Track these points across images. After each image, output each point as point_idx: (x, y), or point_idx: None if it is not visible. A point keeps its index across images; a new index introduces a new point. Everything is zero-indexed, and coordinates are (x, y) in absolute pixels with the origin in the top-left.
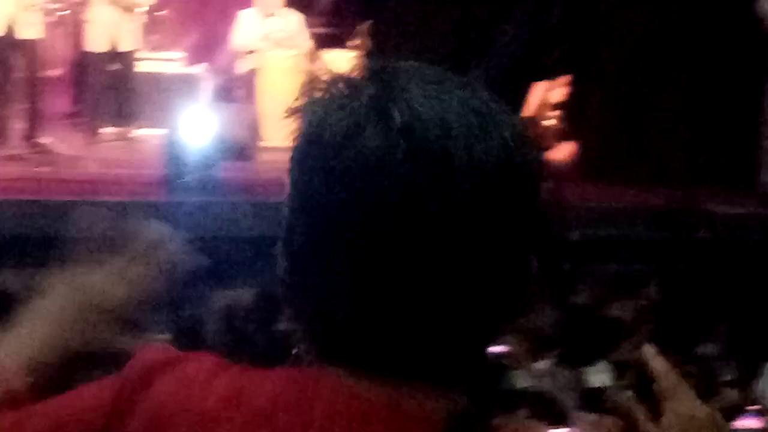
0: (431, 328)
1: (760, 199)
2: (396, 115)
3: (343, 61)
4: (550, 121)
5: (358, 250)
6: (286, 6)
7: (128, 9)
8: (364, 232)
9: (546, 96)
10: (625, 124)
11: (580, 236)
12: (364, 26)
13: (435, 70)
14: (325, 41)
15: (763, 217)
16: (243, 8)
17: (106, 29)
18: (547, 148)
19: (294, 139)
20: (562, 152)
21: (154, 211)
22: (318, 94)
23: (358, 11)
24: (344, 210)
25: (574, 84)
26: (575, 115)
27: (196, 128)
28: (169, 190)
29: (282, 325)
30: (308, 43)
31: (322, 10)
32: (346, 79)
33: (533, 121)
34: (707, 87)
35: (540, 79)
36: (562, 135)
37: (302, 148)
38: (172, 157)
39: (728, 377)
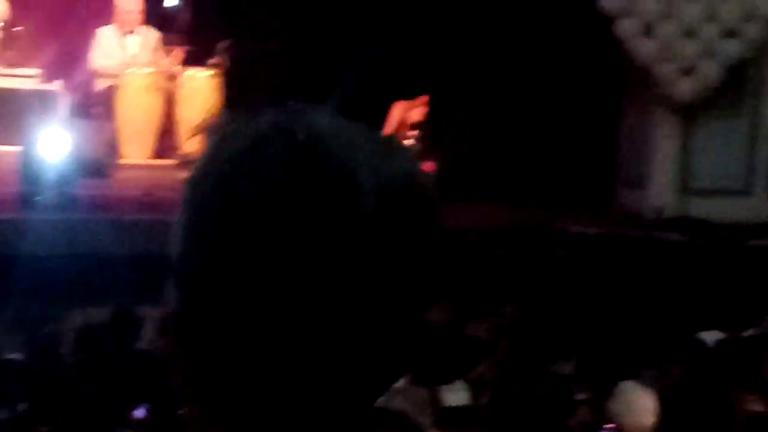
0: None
1: (616, 219)
2: (299, 130)
3: (202, 79)
4: (409, 141)
5: (257, 274)
6: (144, 24)
7: None
8: (262, 251)
9: (404, 116)
10: (484, 143)
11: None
12: (223, 45)
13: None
14: (183, 59)
15: (620, 237)
16: (102, 26)
17: None
18: None
19: (195, 162)
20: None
21: (11, 228)
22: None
23: (217, 30)
24: (242, 227)
25: (432, 104)
26: (434, 135)
27: (52, 145)
28: (24, 208)
29: (139, 345)
30: (167, 62)
31: (181, 28)
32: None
33: None
34: (565, 108)
35: (398, 99)
36: (421, 155)
37: (203, 167)
38: (28, 174)
39: (583, 396)
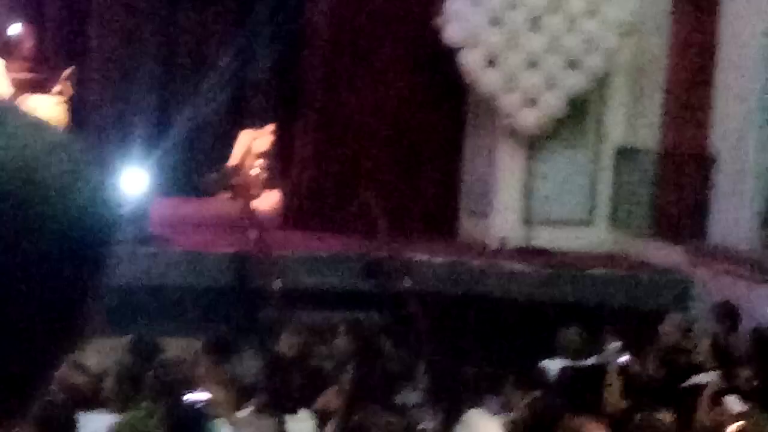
0: None
1: (461, 248)
2: None
3: (46, 106)
4: (255, 170)
5: None
6: None
7: None
8: None
9: (251, 145)
10: (330, 173)
11: (284, 285)
12: (67, 72)
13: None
14: (27, 86)
15: (464, 265)
16: None
17: None
18: (252, 197)
19: None
20: (267, 201)
21: None
22: None
23: (60, 57)
24: None
25: (279, 133)
26: (280, 164)
27: None
28: None
29: None
30: (9, 89)
31: (25, 55)
32: None
33: (238, 170)
34: (410, 138)
35: (245, 128)
36: (267, 184)
37: None
38: None
39: (429, 425)
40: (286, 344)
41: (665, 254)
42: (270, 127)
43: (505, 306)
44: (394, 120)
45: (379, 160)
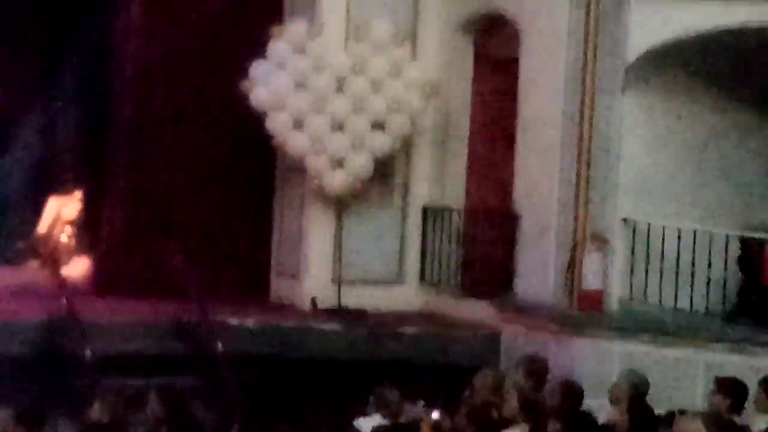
0: None
1: (273, 310)
2: None
3: None
4: (64, 237)
5: None
6: None
7: None
8: None
9: (59, 212)
10: (139, 238)
11: (96, 352)
12: None
13: None
14: None
15: (277, 327)
16: None
17: None
18: (62, 265)
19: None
20: (76, 268)
21: None
22: None
23: None
24: None
25: (87, 199)
26: (88, 231)
27: None
28: None
29: None
30: None
31: None
32: None
33: (48, 237)
34: (220, 202)
35: (53, 194)
36: (76, 251)
37: None
38: None
39: None
40: (100, 411)
41: (474, 311)
42: (78, 194)
43: (318, 366)
44: (203, 183)
45: (190, 223)
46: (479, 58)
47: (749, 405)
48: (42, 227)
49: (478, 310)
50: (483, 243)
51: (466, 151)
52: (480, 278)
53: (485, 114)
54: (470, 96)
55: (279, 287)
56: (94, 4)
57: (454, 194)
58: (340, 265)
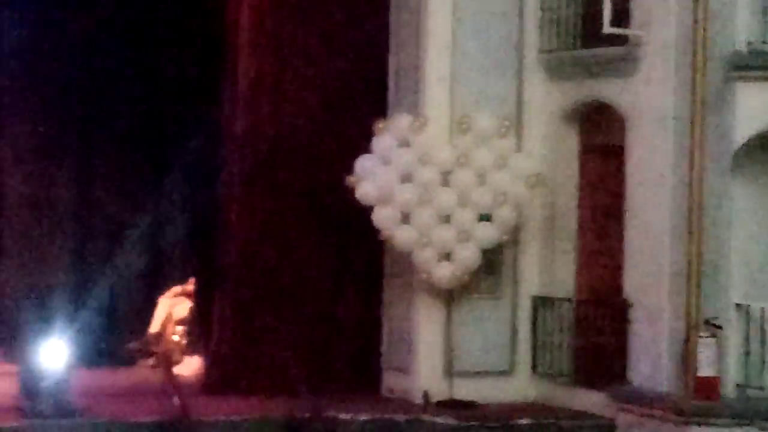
0: None
1: (385, 404)
2: None
3: None
4: (176, 336)
5: None
6: None
7: None
8: None
9: (171, 312)
10: (250, 337)
11: None
12: None
13: None
14: None
15: (389, 421)
16: None
17: None
18: (174, 364)
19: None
20: (189, 367)
21: None
22: None
23: None
24: None
25: (198, 299)
26: (199, 330)
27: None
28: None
29: None
30: None
31: None
32: None
33: (159, 337)
34: (330, 295)
35: (163, 294)
36: (188, 350)
37: None
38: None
39: None
40: None
41: (588, 400)
42: (189, 294)
43: None
44: (312, 278)
45: (299, 320)
46: (585, 146)
47: None
48: (153, 327)
49: (592, 400)
50: (594, 331)
51: (574, 239)
52: (593, 367)
53: (593, 202)
54: (577, 184)
55: (390, 380)
56: (201, 100)
57: (564, 283)
58: (450, 357)
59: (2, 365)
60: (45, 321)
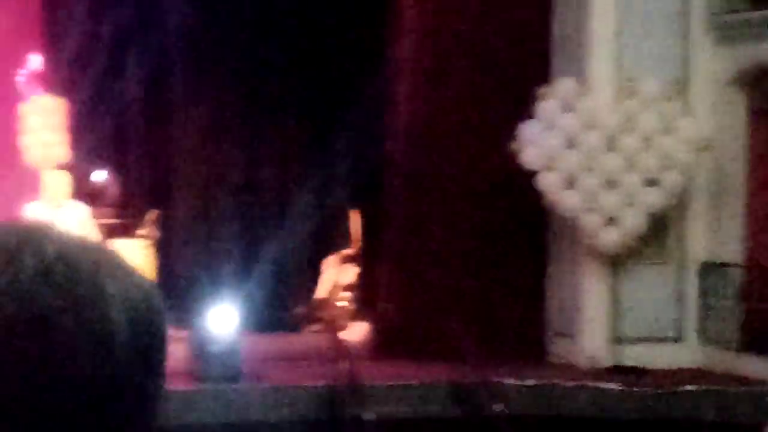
0: None
1: (550, 369)
2: (49, 249)
3: (133, 249)
4: (342, 302)
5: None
6: (72, 198)
7: None
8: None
9: (337, 277)
10: (416, 302)
11: (377, 415)
12: (151, 215)
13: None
14: (113, 231)
15: (556, 387)
16: (30, 201)
17: None
18: (340, 329)
19: None
20: (355, 332)
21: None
22: None
23: (144, 201)
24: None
25: (364, 263)
26: (366, 295)
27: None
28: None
29: None
30: (97, 234)
31: (110, 201)
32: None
33: (326, 302)
34: (494, 261)
35: (330, 258)
36: (354, 315)
37: None
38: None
39: None
40: None
41: (756, 367)
42: (355, 260)
43: (596, 426)
44: (477, 244)
45: (464, 285)
46: (754, 111)
47: None
48: (320, 292)
49: (760, 366)
50: (764, 298)
51: (742, 205)
52: (761, 333)
53: (762, 167)
54: (745, 149)
55: (555, 346)
56: (365, 71)
57: (732, 249)
58: (616, 323)
59: (174, 331)
60: (215, 287)
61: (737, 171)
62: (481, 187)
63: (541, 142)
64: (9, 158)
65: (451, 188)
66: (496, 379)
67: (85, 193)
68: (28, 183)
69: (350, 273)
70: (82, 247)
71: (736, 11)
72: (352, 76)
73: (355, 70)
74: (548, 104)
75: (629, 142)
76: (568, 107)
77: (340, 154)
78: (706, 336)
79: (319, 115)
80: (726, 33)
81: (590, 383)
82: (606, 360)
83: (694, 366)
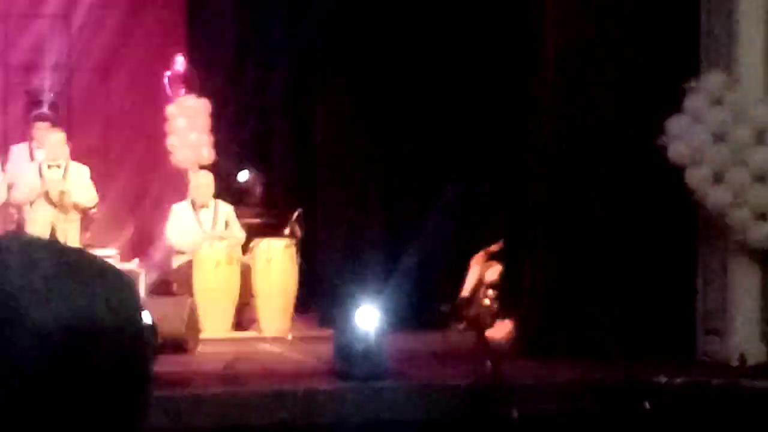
0: None
1: (700, 368)
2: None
3: (277, 249)
4: (487, 300)
5: None
6: (216, 198)
7: (66, 209)
8: None
9: (482, 275)
10: (562, 300)
11: (523, 414)
12: (295, 214)
13: (27, 240)
14: (258, 230)
15: (705, 386)
16: (176, 202)
17: (46, 228)
18: (485, 327)
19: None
20: (500, 331)
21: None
22: None
23: (289, 200)
24: None
25: (508, 261)
26: (511, 293)
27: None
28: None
29: None
30: (241, 234)
31: (254, 200)
32: None
33: (471, 300)
34: (642, 257)
35: (474, 258)
36: (499, 313)
37: None
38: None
39: None
40: None
41: None
42: (500, 257)
43: (747, 426)
44: (624, 241)
45: (611, 284)
46: None
47: None
48: (465, 290)
49: None
50: None
51: None
52: None
53: None
54: None
55: (705, 344)
56: (507, 67)
57: None
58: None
59: (319, 330)
60: (360, 286)
61: None
62: (628, 184)
63: (688, 137)
64: (155, 159)
65: (597, 186)
66: (644, 377)
67: (230, 192)
68: (174, 184)
69: (495, 271)
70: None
71: None
72: (494, 74)
73: (497, 67)
74: (696, 98)
75: None
76: (716, 101)
77: (485, 150)
78: None
79: (464, 112)
80: None
81: (741, 382)
82: (757, 358)
83: None
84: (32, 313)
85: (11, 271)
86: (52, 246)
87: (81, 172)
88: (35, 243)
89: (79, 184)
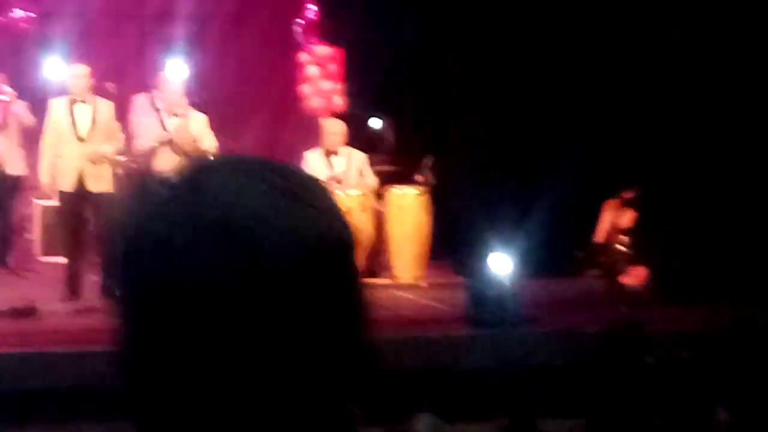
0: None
1: None
2: (205, 212)
3: (410, 197)
4: (621, 246)
5: (190, 349)
6: (348, 145)
7: (194, 157)
8: (189, 328)
9: (616, 221)
10: (694, 245)
11: (657, 360)
12: (427, 161)
13: (246, 160)
14: (390, 178)
15: None
16: (309, 148)
17: None
18: (619, 273)
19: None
20: (634, 277)
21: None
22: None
23: (421, 148)
24: (169, 311)
25: (642, 205)
26: (645, 240)
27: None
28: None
29: None
30: (374, 181)
31: (386, 148)
32: (164, 184)
33: (605, 246)
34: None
35: (608, 203)
36: (633, 259)
37: (126, 257)
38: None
39: None
40: (652, 423)
41: None
42: (633, 202)
43: None
44: (753, 192)
45: (740, 230)
46: None
47: None
48: (599, 236)
49: None
50: None
51: None
52: None
53: None
54: None
55: None
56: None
57: None
58: None
59: (454, 277)
60: (492, 232)
61: None
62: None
63: None
64: (288, 107)
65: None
66: None
67: (362, 140)
68: (306, 131)
69: (629, 216)
70: (243, 202)
71: None
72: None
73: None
74: None
75: None
76: None
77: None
78: None
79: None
80: None
81: None
82: None
83: None
84: (270, 236)
85: (244, 196)
86: (267, 165)
87: (201, 120)
88: (251, 163)
89: (202, 132)
